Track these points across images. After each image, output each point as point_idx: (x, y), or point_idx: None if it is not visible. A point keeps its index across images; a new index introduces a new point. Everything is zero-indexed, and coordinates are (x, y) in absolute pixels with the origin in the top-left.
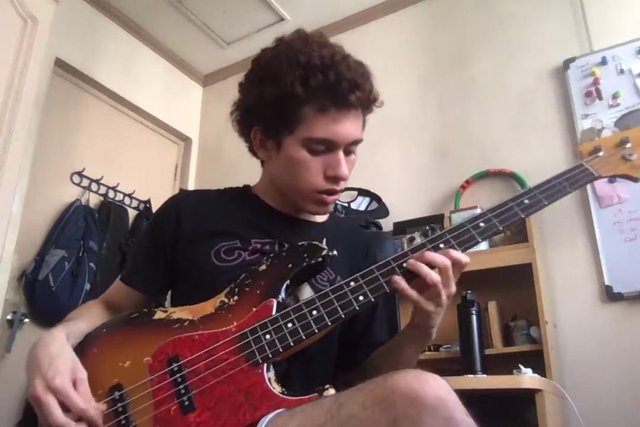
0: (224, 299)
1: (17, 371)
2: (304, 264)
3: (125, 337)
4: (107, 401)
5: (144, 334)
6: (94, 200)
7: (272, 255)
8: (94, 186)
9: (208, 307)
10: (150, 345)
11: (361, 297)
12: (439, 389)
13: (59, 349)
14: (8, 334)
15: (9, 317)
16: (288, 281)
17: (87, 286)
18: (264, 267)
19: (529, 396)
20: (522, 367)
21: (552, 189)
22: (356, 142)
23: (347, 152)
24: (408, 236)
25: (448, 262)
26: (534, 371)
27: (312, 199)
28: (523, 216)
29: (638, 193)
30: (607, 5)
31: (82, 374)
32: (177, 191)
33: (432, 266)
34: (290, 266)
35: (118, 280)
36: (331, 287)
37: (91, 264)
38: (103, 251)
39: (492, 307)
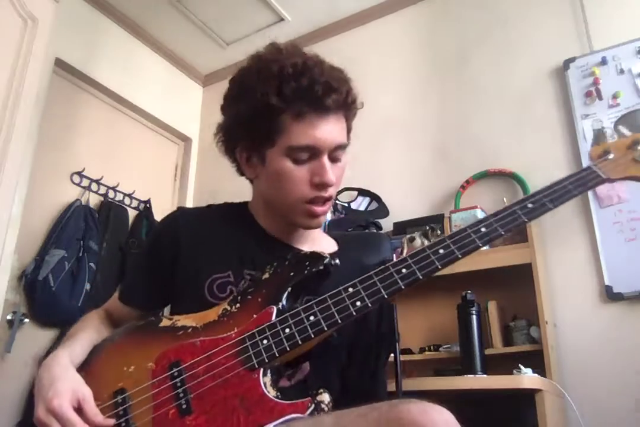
0: (227, 306)
1: (17, 371)
2: (305, 272)
3: (131, 344)
4: (109, 404)
5: (149, 341)
6: (94, 200)
7: (275, 264)
8: (94, 186)
9: (211, 314)
10: (155, 351)
11: (358, 303)
12: (442, 423)
13: (60, 371)
14: (8, 334)
15: (9, 317)
16: (289, 289)
17: (87, 286)
18: (266, 275)
19: (529, 396)
20: (522, 367)
21: (557, 192)
22: (340, 146)
23: (333, 159)
24: (408, 235)
25: None
26: (534, 371)
27: (301, 210)
28: (526, 220)
29: (638, 193)
30: (607, 5)
31: (85, 392)
32: (177, 191)
33: None
34: (292, 274)
35: (116, 297)
36: (329, 293)
37: (91, 264)
38: (103, 251)
39: (492, 307)
